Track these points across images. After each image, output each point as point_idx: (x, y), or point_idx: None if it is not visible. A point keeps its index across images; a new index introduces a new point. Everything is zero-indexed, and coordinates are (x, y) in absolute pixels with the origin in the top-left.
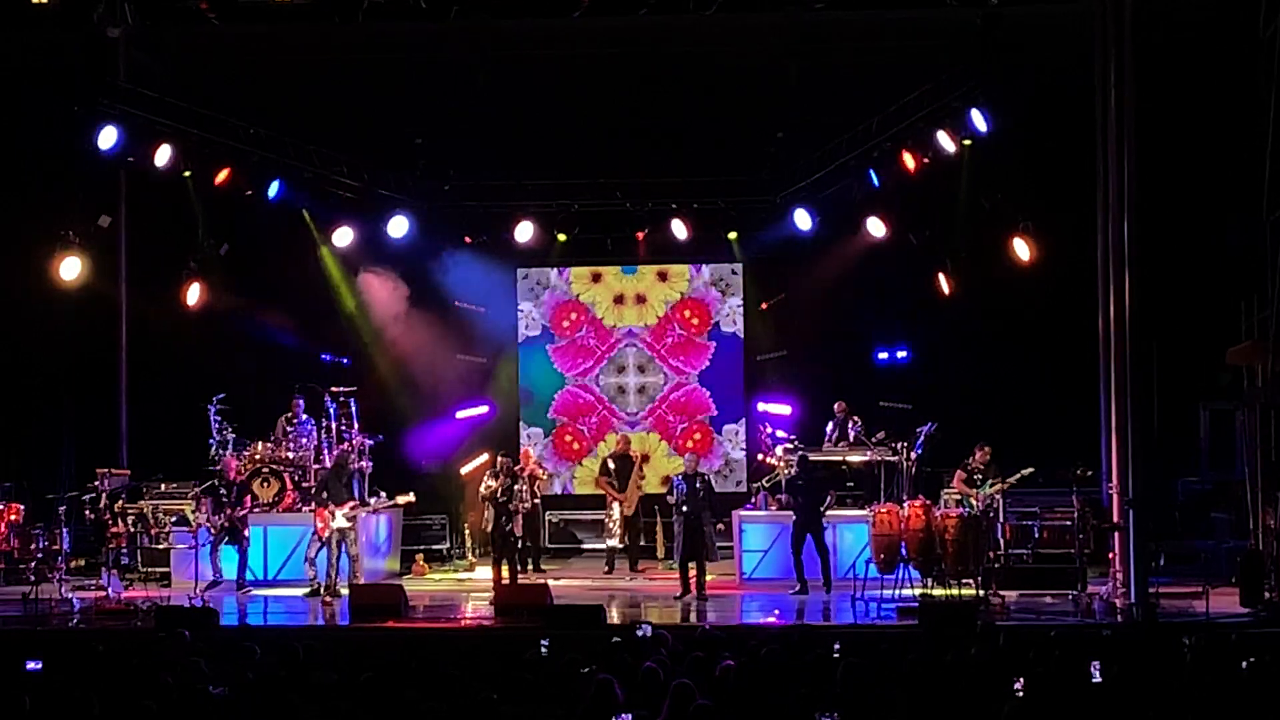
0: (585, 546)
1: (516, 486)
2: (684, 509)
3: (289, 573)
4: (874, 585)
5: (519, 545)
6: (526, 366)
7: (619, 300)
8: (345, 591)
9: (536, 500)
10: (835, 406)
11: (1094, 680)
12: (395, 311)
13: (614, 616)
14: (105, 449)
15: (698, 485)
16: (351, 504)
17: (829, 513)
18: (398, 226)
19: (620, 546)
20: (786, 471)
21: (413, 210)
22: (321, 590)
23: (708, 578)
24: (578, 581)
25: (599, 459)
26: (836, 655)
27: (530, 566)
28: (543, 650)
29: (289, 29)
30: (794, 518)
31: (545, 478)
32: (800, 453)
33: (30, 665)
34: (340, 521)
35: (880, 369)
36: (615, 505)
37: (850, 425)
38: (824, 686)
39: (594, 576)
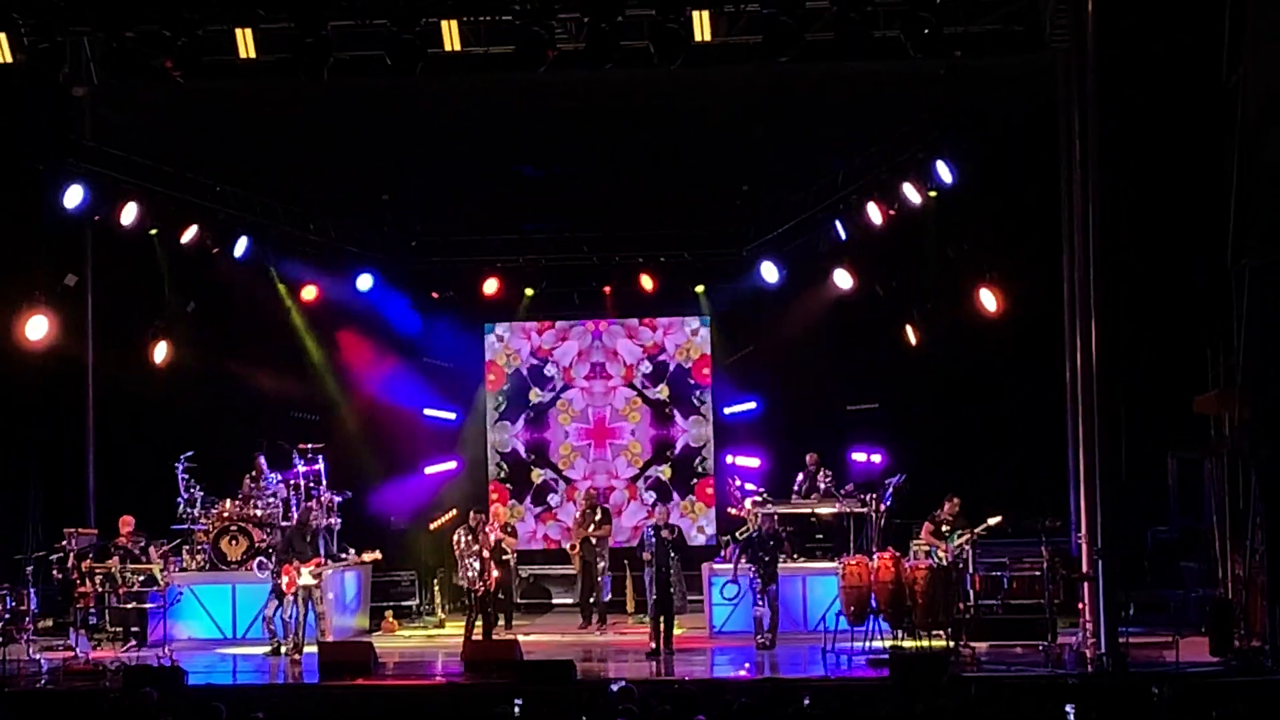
0: (555, 601)
1: (493, 539)
2: (653, 561)
3: (258, 631)
4: (844, 637)
5: (496, 601)
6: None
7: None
8: (311, 649)
9: (506, 557)
10: (807, 458)
11: None
12: (364, 368)
13: (584, 672)
14: (72, 508)
15: (665, 536)
16: (317, 561)
17: (790, 563)
18: (364, 283)
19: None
20: (756, 525)
21: (379, 266)
22: (284, 649)
23: (676, 631)
24: (548, 637)
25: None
26: (806, 706)
27: (501, 622)
28: (515, 710)
29: (255, 86)
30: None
31: (512, 535)
32: (762, 509)
33: None
34: (306, 579)
35: (848, 420)
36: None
37: (821, 477)
38: None
39: (564, 631)
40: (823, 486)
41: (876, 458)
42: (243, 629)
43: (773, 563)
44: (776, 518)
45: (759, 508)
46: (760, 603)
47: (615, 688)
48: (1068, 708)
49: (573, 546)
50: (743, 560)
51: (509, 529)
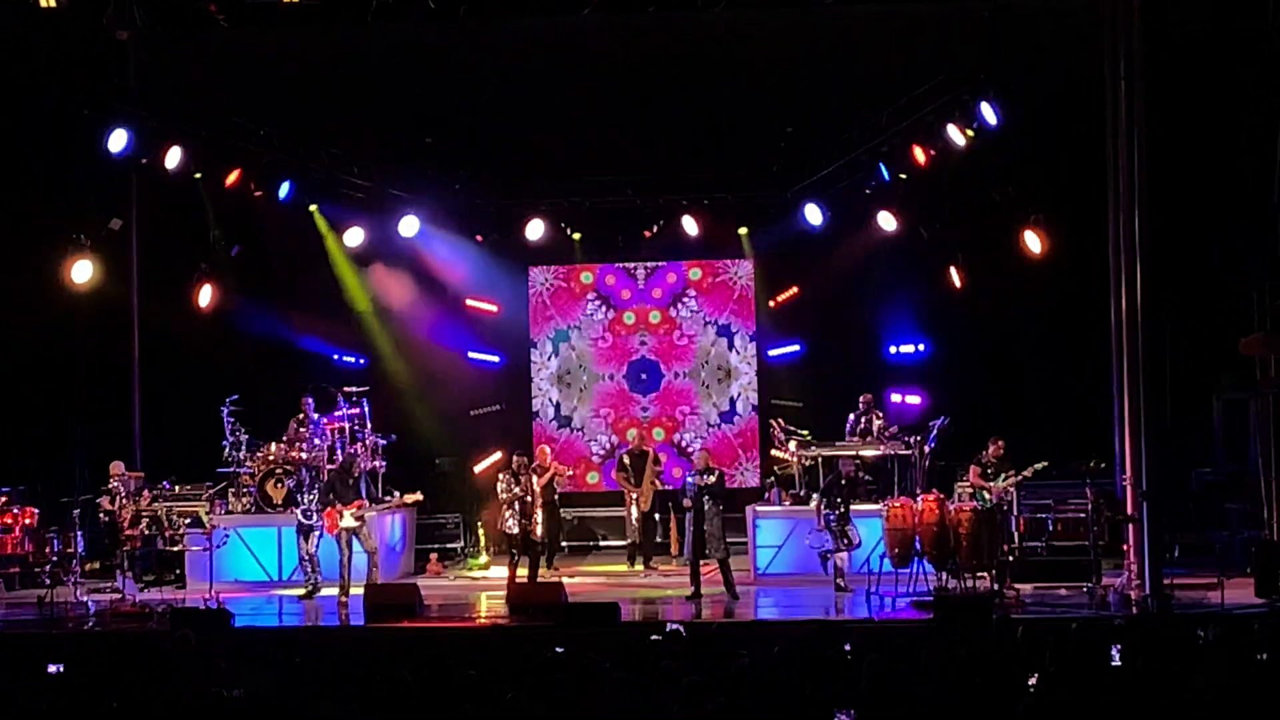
0: (602, 544)
1: (537, 483)
2: (692, 506)
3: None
4: (888, 579)
5: (540, 544)
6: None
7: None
8: (357, 591)
9: (555, 498)
10: (860, 399)
11: (1114, 664)
12: (407, 310)
13: (629, 614)
14: (119, 452)
15: (707, 481)
16: (358, 503)
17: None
18: (409, 226)
19: (635, 542)
20: (799, 466)
21: (424, 209)
22: (314, 590)
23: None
24: (592, 579)
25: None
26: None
27: (546, 564)
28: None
29: (298, 30)
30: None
31: (566, 474)
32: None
33: (52, 668)
34: (348, 521)
35: (893, 363)
36: (632, 501)
37: (873, 418)
38: (840, 683)
39: (609, 574)
40: (876, 427)
41: (914, 399)
42: (288, 571)
43: (846, 507)
44: (855, 463)
45: (803, 450)
46: (840, 545)
47: (669, 629)
48: (1114, 649)
49: (650, 484)
50: (823, 505)
51: (558, 474)
